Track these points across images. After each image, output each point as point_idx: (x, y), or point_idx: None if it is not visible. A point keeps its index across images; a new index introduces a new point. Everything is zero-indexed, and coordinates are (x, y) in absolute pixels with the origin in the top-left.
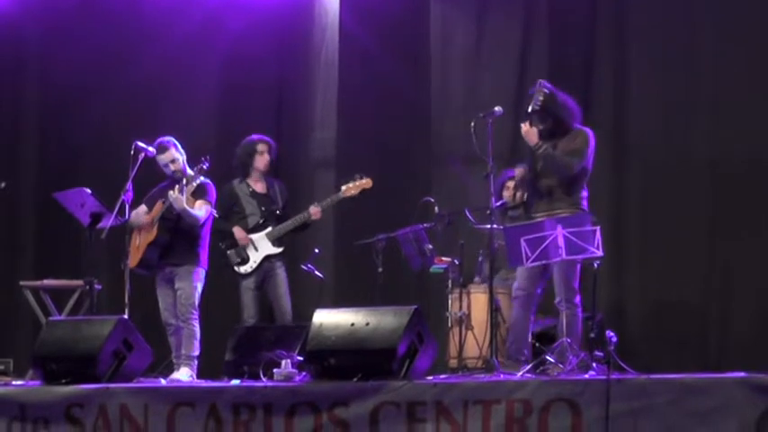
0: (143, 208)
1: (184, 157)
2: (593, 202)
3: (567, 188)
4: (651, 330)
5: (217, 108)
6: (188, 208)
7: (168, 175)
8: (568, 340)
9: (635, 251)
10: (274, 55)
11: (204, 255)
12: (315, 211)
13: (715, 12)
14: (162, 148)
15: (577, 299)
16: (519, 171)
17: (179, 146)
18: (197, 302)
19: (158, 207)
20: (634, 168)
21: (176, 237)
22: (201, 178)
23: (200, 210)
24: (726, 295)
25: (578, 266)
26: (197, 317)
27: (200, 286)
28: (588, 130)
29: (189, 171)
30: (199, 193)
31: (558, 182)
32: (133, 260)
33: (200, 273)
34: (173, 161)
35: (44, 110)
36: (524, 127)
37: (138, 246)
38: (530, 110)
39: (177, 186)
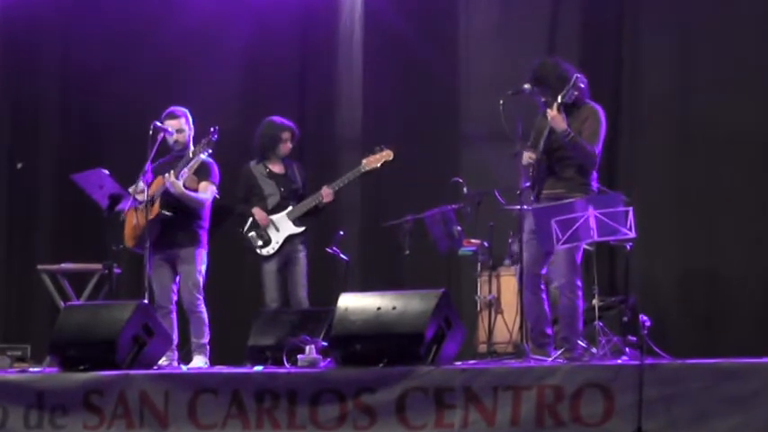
0: (140, 185)
1: (192, 132)
2: (627, 179)
3: (580, 169)
4: (686, 313)
5: (240, 85)
6: (187, 191)
7: (170, 146)
8: (601, 324)
9: (669, 231)
10: (298, 31)
11: (205, 235)
12: (326, 193)
13: None
14: (172, 115)
15: (579, 281)
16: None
17: (190, 119)
18: (202, 287)
19: (159, 182)
20: (667, 143)
21: (178, 214)
22: (209, 151)
23: (205, 192)
24: (763, 277)
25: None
26: (203, 302)
27: (203, 269)
28: (599, 108)
29: (192, 147)
30: (202, 173)
31: (572, 163)
32: (130, 240)
33: (203, 255)
34: (179, 131)
35: (63, 90)
36: (552, 112)
37: (135, 225)
38: (559, 100)
39: (172, 171)
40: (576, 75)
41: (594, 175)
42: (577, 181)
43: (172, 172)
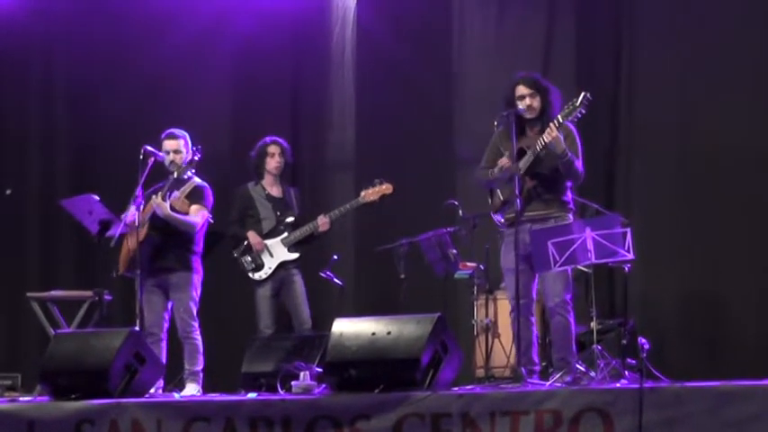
0: (131, 210)
1: (190, 157)
2: (625, 200)
3: (563, 189)
4: (686, 336)
5: (231, 109)
6: (175, 214)
7: (166, 167)
8: (599, 347)
9: (667, 253)
10: (289, 53)
11: (198, 260)
12: (323, 222)
13: None
14: (170, 136)
15: (569, 296)
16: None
17: (189, 143)
18: (196, 314)
19: (150, 205)
20: (665, 162)
21: (168, 237)
22: (193, 171)
23: (196, 216)
24: (764, 298)
25: None
26: (198, 329)
27: (197, 295)
28: (573, 128)
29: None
30: (195, 196)
31: (560, 183)
32: (123, 265)
33: (197, 281)
34: (176, 151)
35: (50, 113)
36: (553, 132)
37: (127, 249)
38: (560, 119)
39: (159, 193)
40: (584, 93)
41: (570, 194)
42: (560, 201)
43: (159, 194)
